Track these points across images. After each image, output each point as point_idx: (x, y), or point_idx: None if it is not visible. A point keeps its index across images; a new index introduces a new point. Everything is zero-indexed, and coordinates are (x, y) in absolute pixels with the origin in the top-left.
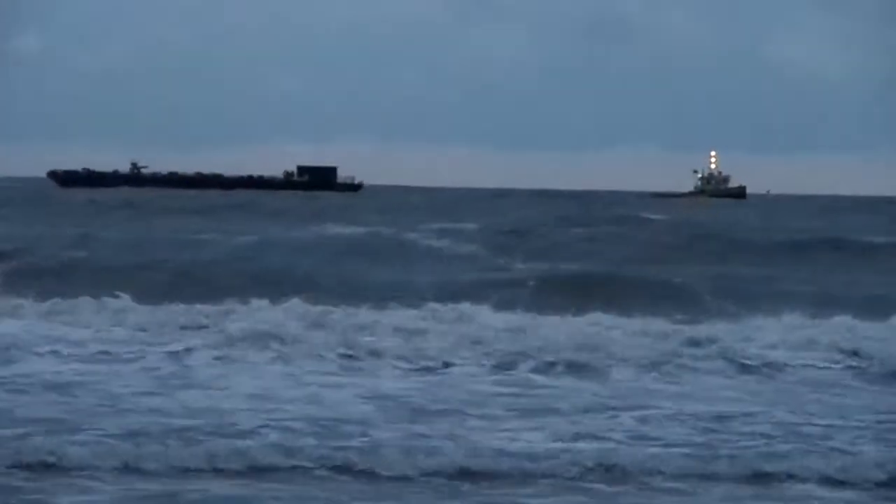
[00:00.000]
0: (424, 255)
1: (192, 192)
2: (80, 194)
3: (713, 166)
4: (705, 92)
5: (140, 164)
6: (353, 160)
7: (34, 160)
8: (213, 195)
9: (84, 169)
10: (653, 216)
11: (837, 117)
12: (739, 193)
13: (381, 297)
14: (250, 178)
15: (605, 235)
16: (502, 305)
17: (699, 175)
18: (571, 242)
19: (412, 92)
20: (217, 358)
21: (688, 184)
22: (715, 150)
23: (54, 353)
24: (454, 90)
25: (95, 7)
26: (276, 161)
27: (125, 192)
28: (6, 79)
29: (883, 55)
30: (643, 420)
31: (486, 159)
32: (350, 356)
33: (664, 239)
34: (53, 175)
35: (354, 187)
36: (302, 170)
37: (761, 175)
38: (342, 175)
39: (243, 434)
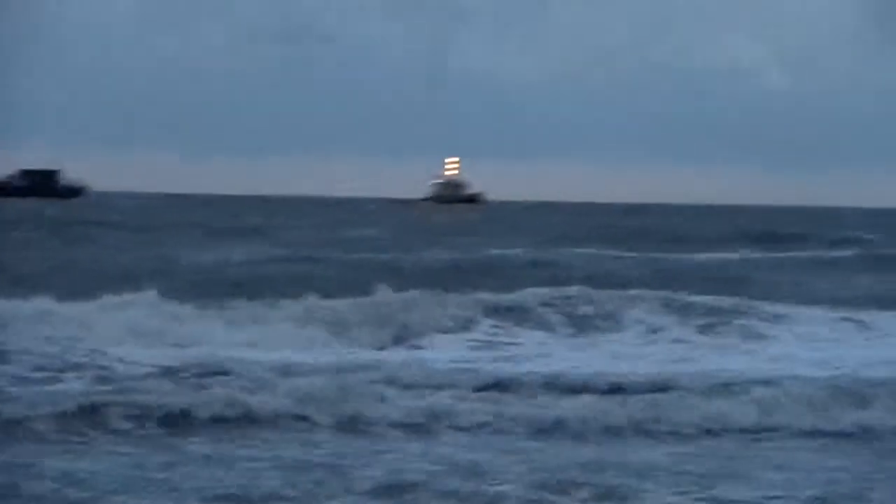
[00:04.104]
0: None
1: None
2: None
3: (451, 172)
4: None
5: None
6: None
7: None
8: None
9: None
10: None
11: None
12: (474, 199)
13: None
14: None
15: None
16: None
17: (436, 181)
18: None
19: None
20: None
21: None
22: (455, 158)
23: None
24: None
25: None
26: None
27: None
28: None
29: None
30: None
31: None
32: None
33: None
34: None
35: (77, 191)
36: (22, 173)
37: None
38: (65, 177)
39: None
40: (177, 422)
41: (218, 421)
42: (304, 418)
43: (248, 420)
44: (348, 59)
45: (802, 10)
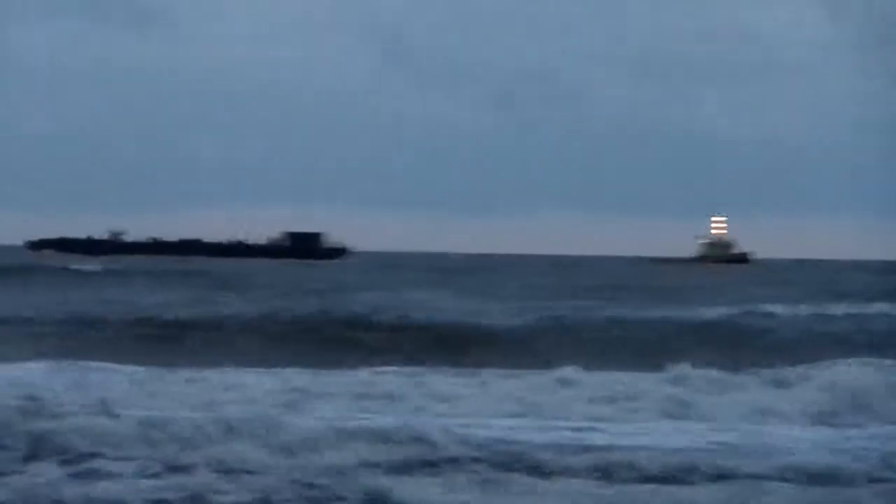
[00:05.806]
0: None
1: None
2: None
3: (717, 231)
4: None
5: (117, 232)
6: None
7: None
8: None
9: (60, 237)
10: None
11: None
12: (742, 258)
13: None
14: (237, 243)
15: None
16: None
17: (702, 240)
18: None
19: (360, 157)
20: None
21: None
22: (715, 216)
23: None
24: (399, 155)
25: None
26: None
27: (119, 260)
28: None
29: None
30: None
31: (444, 224)
32: None
33: None
34: (31, 244)
35: (339, 252)
36: (287, 235)
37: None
38: (328, 239)
39: None
40: None
41: None
42: None
43: None
44: (606, 121)
45: None
